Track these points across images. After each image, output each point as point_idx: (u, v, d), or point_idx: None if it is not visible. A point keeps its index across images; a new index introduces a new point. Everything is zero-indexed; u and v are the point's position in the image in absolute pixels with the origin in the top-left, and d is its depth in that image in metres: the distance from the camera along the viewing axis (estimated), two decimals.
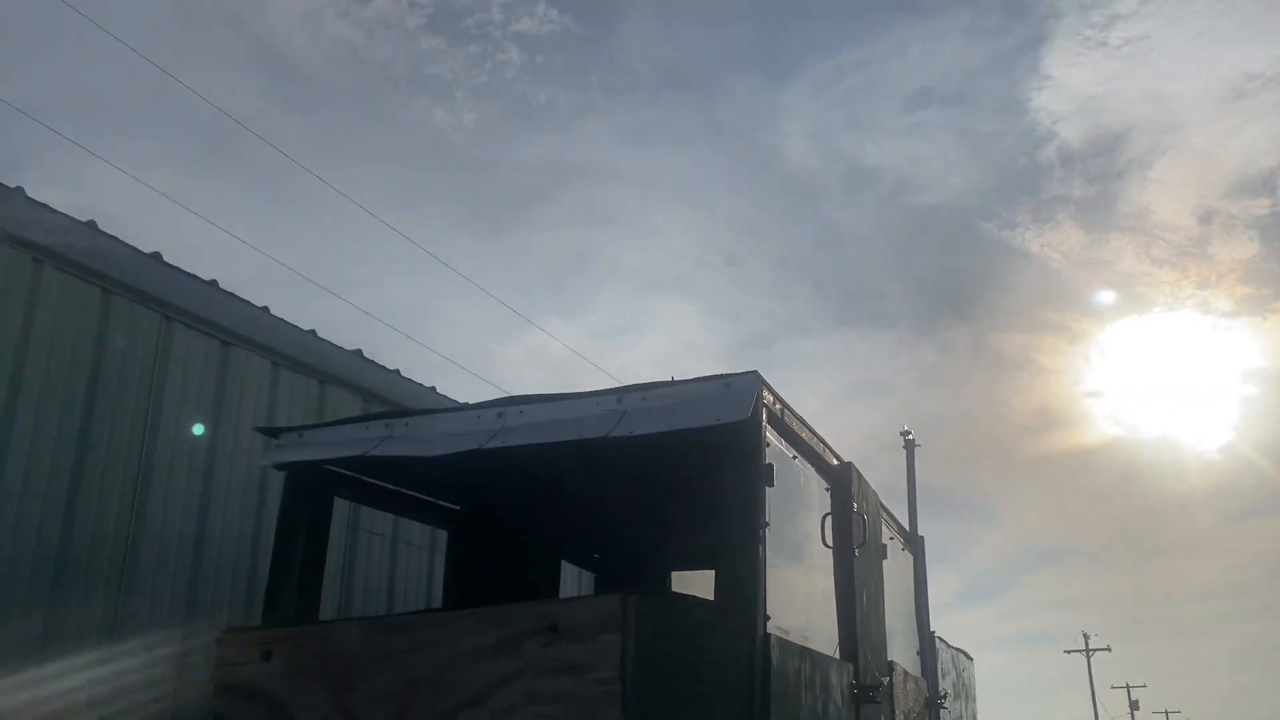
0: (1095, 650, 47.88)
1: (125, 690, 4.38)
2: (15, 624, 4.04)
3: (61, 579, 4.22)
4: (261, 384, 5.47)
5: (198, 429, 4.73)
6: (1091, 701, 47.02)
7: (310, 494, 4.26)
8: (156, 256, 5.02)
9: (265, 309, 5.61)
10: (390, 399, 6.13)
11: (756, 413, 3.71)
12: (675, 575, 6.04)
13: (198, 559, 4.88)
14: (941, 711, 6.61)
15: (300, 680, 3.45)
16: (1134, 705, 50.36)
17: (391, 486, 4.92)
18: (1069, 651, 48.75)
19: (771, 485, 3.82)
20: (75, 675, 4.22)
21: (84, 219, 4.68)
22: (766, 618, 3.65)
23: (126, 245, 4.84)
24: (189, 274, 5.16)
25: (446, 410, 4.23)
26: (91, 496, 4.44)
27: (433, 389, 6.74)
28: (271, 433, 4.43)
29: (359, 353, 6.24)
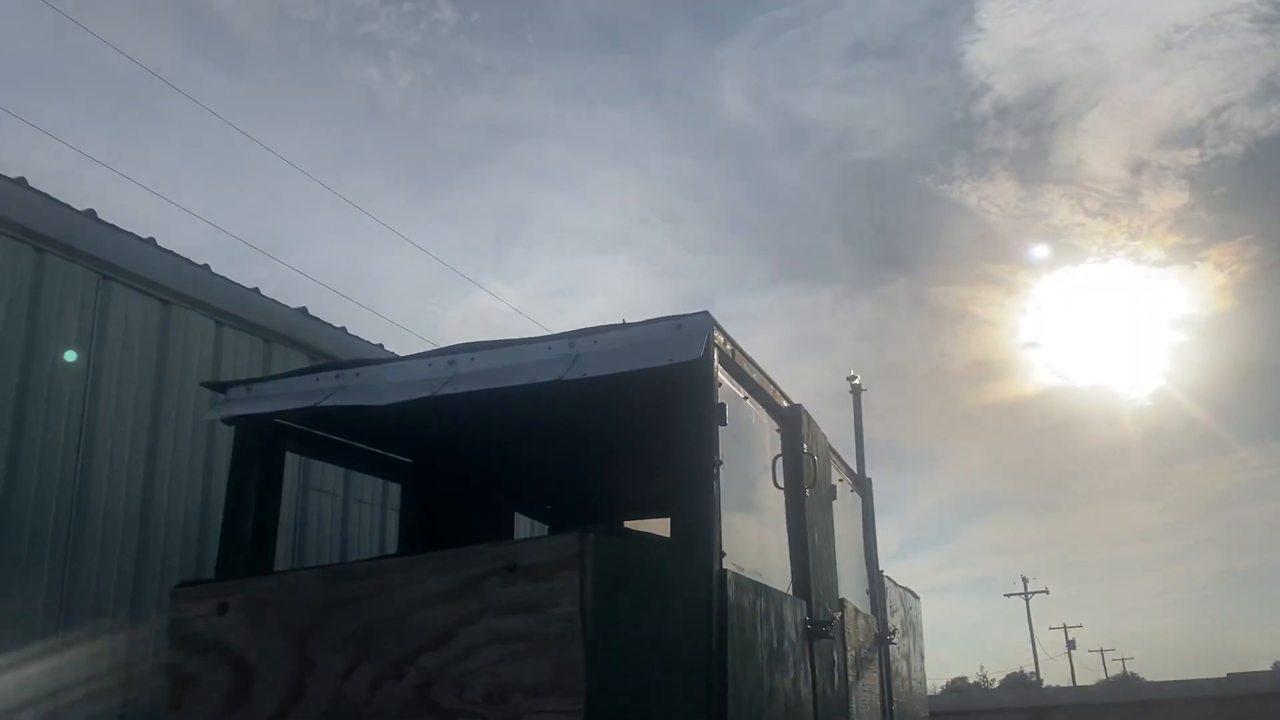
0: (1034, 593, 49.30)
1: (75, 656, 4.33)
2: None
3: (4, 542, 4.14)
4: (206, 343, 5.37)
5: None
6: (1031, 642, 48.50)
7: (260, 448, 4.22)
8: (90, 214, 4.89)
9: (206, 267, 5.51)
10: (337, 357, 6.06)
11: (708, 352, 3.74)
12: (627, 525, 6.08)
13: (145, 519, 4.81)
14: (890, 647, 6.77)
15: (258, 631, 3.44)
16: (1071, 644, 51.98)
17: (343, 440, 4.88)
18: (1009, 595, 50.17)
19: (724, 424, 3.86)
20: (25, 645, 4.16)
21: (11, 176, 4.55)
22: (722, 554, 3.71)
23: (59, 202, 4.71)
24: (125, 231, 5.04)
25: (397, 359, 4.20)
26: (33, 459, 4.35)
27: (380, 346, 6.68)
28: (218, 387, 4.37)
29: (304, 310, 6.15)
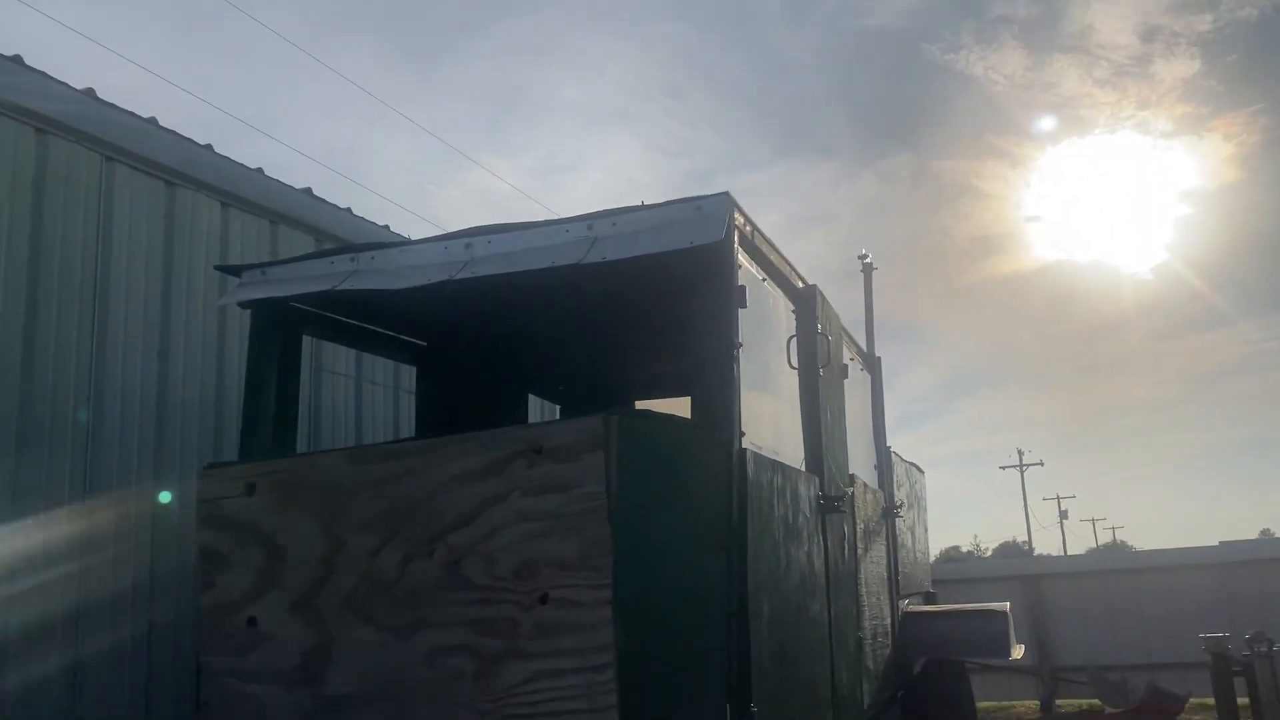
0: (1029, 465, 50.24)
1: (101, 526, 4.41)
2: None
3: (26, 435, 4.17)
4: (212, 225, 5.31)
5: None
6: (1025, 513, 49.56)
7: (277, 332, 4.21)
8: (90, 93, 4.77)
9: (209, 147, 5.40)
10: (343, 239, 6.00)
11: (729, 234, 3.69)
12: (644, 405, 6.13)
13: (162, 407, 4.84)
14: (897, 520, 6.92)
15: (286, 511, 3.49)
16: (1063, 514, 53.26)
17: (358, 323, 4.87)
18: (1004, 467, 51.17)
19: (744, 307, 3.85)
20: (52, 519, 4.23)
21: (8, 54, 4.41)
22: (741, 434, 3.74)
23: (58, 81, 4.58)
24: (127, 111, 4.92)
25: (413, 242, 4.15)
26: (49, 342, 4.34)
27: (386, 227, 6.61)
28: (232, 270, 4.33)
29: (309, 191, 6.06)
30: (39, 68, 4.51)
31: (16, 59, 4.43)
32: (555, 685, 3.09)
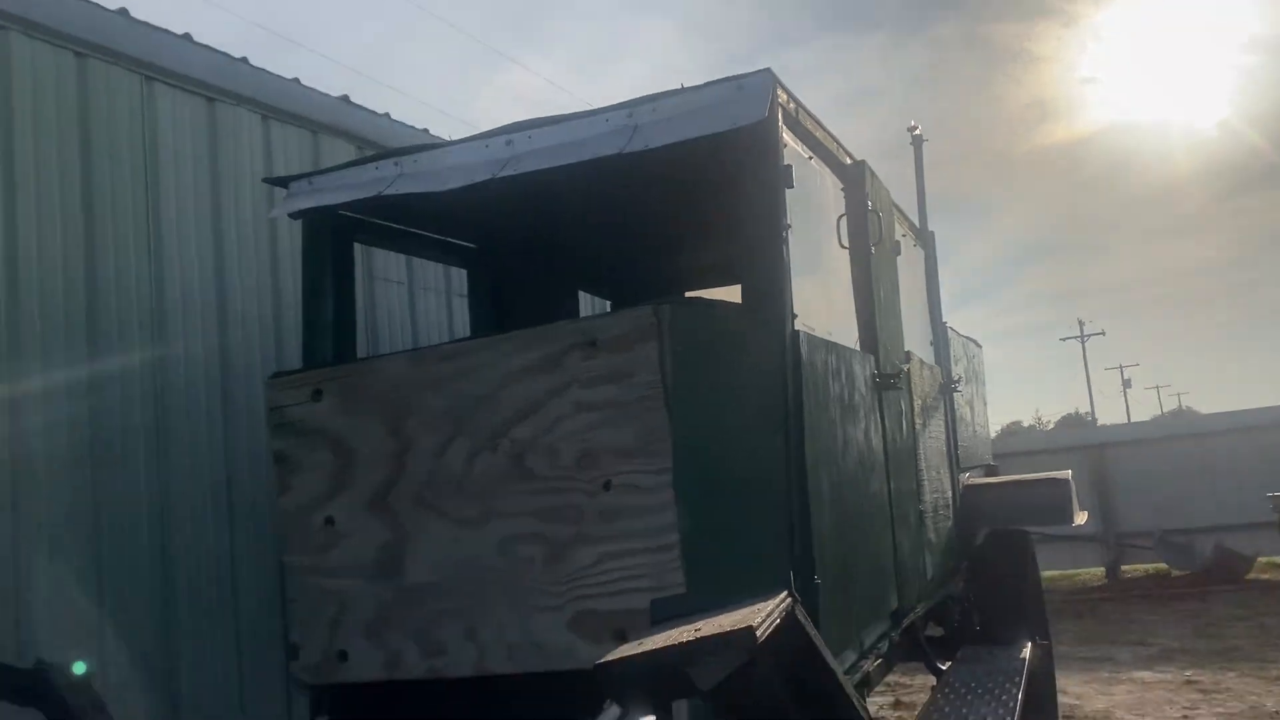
0: (1090, 335, 49.57)
1: (174, 435, 4.57)
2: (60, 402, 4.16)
3: (96, 339, 4.29)
4: (254, 138, 5.32)
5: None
6: (1086, 384, 49.12)
7: (329, 240, 4.27)
8: (124, 12, 4.76)
9: (245, 60, 5.39)
10: (383, 145, 5.99)
11: (772, 112, 3.63)
12: (694, 294, 6.13)
13: (222, 322, 4.95)
14: (955, 395, 6.91)
15: (353, 414, 3.59)
16: (1126, 383, 52.69)
17: (407, 228, 4.91)
18: (1064, 339, 50.55)
19: (791, 186, 3.80)
20: (127, 432, 4.38)
21: None
22: (794, 315, 3.74)
23: (92, 4, 4.58)
24: (161, 29, 4.91)
25: (454, 142, 4.15)
26: (109, 267, 4.44)
27: (425, 131, 6.59)
28: (280, 182, 4.37)
29: (346, 98, 6.04)
30: None
31: None
32: (622, 566, 3.19)
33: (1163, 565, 17.52)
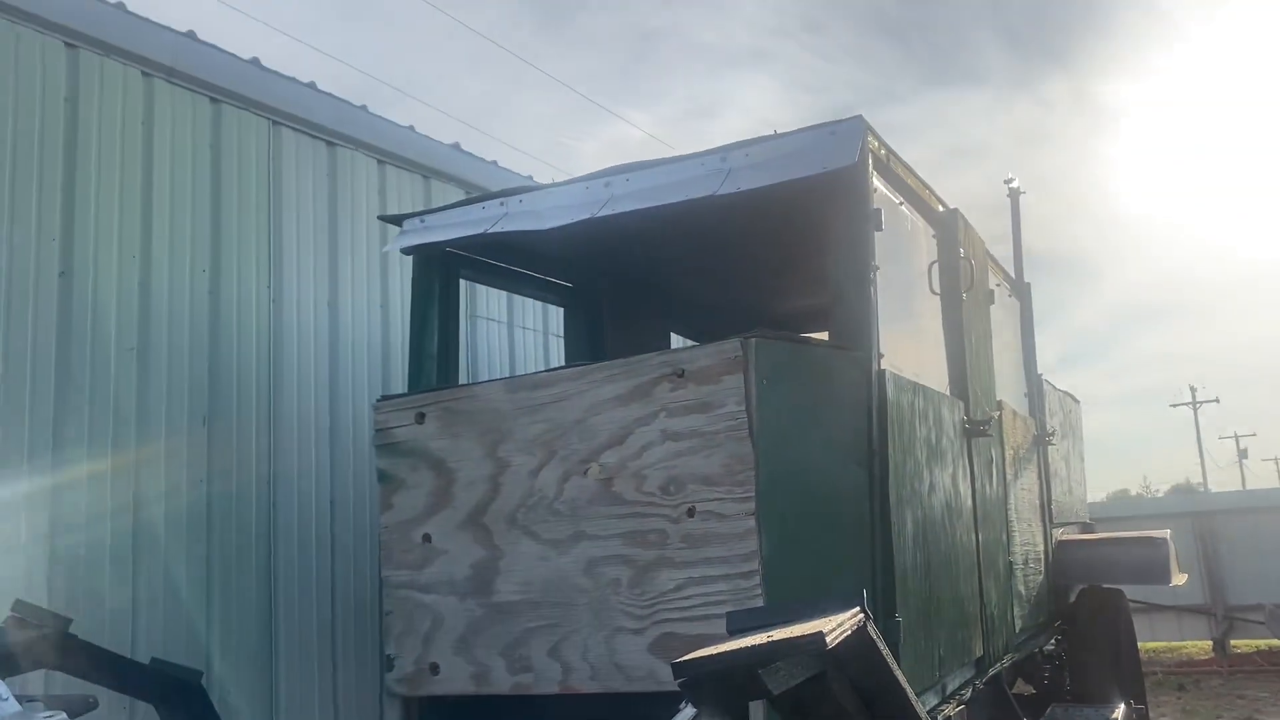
0: (1203, 402, 47.64)
1: (285, 455, 4.84)
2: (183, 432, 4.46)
3: (216, 366, 4.60)
4: (371, 181, 5.67)
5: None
6: (1199, 452, 47.15)
7: (437, 275, 4.50)
8: (256, 62, 5.14)
9: (364, 108, 5.74)
10: (490, 190, 6.29)
11: (863, 157, 3.74)
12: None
13: (334, 347, 5.24)
14: (1050, 449, 6.81)
15: (453, 436, 3.78)
16: (1242, 454, 50.40)
17: (509, 266, 5.13)
18: (1175, 405, 48.64)
19: (880, 229, 3.89)
20: (244, 455, 4.67)
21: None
22: (880, 355, 3.81)
23: (226, 52, 4.97)
24: (288, 77, 5.29)
25: (557, 185, 4.36)
26: (232, 290, 4.76)
27: (530, 178, 6.86)
28: (394, 220, 4.65)
29: (457, 146, 6.36)
30: (209, 41, 4.89)
31: (190, 34, 4.81)
32: (704, 591, 3.28)
33: (1275, 640, 16.65)
